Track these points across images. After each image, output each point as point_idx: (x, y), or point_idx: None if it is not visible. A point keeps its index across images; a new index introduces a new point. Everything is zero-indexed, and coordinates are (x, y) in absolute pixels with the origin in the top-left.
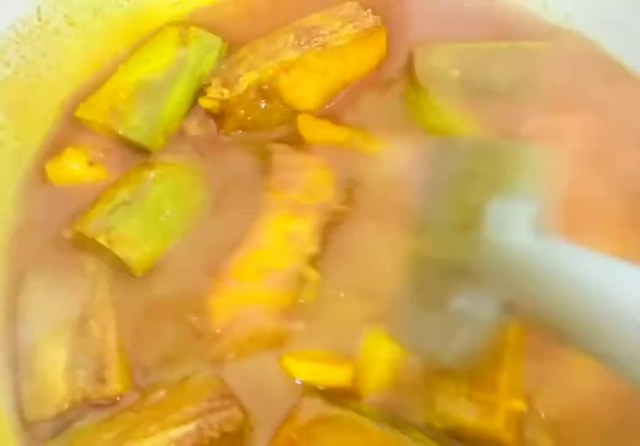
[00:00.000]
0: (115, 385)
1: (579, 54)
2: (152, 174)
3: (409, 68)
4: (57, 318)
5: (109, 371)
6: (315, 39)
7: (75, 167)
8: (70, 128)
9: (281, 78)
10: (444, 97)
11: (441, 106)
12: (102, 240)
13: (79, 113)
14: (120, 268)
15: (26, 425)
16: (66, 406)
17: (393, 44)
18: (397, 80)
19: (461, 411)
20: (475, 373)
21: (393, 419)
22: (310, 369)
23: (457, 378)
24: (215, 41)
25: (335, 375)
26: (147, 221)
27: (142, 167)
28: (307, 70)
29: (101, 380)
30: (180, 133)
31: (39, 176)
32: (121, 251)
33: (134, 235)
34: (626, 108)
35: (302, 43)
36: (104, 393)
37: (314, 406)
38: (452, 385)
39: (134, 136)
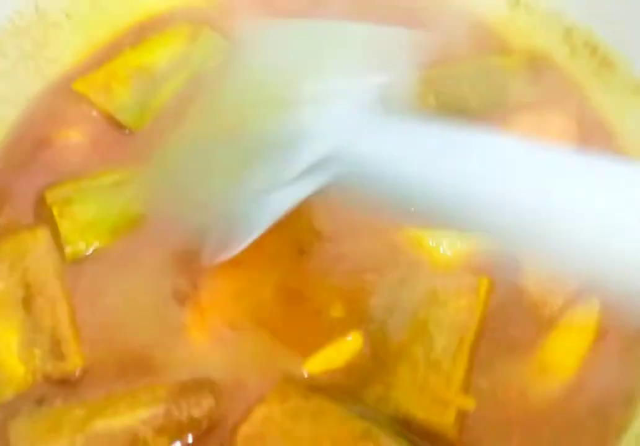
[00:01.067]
0: (74, 359)
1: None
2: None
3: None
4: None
5: (66, 346)
6: None
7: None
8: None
9: None
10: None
11: None
12: (55, 210)
13: (76, 85)
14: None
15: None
16: (26, 386)
17: None
18: None
19: (413, 402)
20: (432, 365)
21: (374, 415)
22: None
23: (414, 367)
24: (224, 44)
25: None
26: (106, 215)
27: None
28: None
29: (59, 356)
30: None
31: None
32: (64, 227)
33: (85, 220)
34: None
35: None
36: (64, 369)
37: (289, 395)
38: (408, 373)
39: (119, 115)
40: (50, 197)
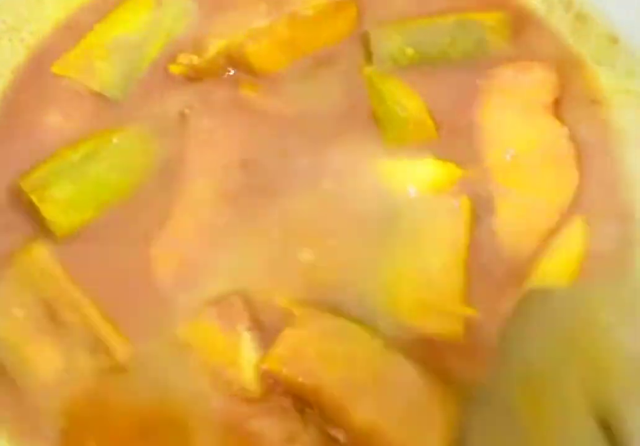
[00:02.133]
0: (121, 348)
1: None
2: (115, 140)
3: (365, 48)
4: (24, 324)
5: (108, 340)
6: (285, 8)
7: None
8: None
9: (249, 46)
10: (398, 72)
11: (394, 82)
12: (34, 197)
13: (55, 68)
14: (44, 232)
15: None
16: (87, 391)
17: (365, 18)
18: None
19: (420, 320)
20: (432, 283)
21: (390, 337)
22: None
23: (415, 287)
24: (191, 6)
25: None
26: (84, 190)
27: (107, 131)
28: (276, 39)
29: (105, 352)
30: None
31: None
32: (48, 211)
33: (65, 199)
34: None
35: (271, 12)
36: (114, 360)
37: (316, 316)
38: (410, 294)
39: (109, 92)
40: (26, 185)
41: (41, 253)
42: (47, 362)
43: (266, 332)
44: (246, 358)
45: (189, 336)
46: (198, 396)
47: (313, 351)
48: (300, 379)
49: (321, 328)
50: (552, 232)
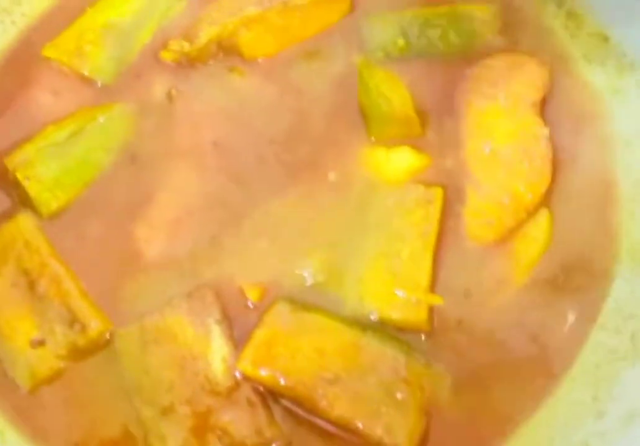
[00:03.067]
0: (95, 325)
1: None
2: (100, 119)
3: (357, 38)
4: (3, 292)
5: (83, 317)
6: None
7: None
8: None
9: (241, 33)
10: (388, 63)
11: (382, 74)
12: (19, 175)
13: (45, 51)
14: (30, 208)
15: (29, 395)
16: (60, 364)
17: (357, 8)
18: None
19: (387, 306)
20: (400, 272)
21: (360, 322)
22: None
23: (382, 275)
24: None
25: None
26: (69, 168)
27: (92, 110)
28: (268, 27)
29: (80, 327)
30: None
31: None
32: (33, 189)
33: (50, 177)
34: None
35: (264, 0)
36: (89, 337)
37: (285, 311)
38: (378, 282)
39: (98, 76)
40: (11, 163)
41: (26, 224)
42: (23, 332)
43: (236, 325)
44: (216, 352)
45: (159, 326)
46: (165, 386)
47: (284, 349)
48: (274, 378)
49: (290, 324)
50: (517, 227)
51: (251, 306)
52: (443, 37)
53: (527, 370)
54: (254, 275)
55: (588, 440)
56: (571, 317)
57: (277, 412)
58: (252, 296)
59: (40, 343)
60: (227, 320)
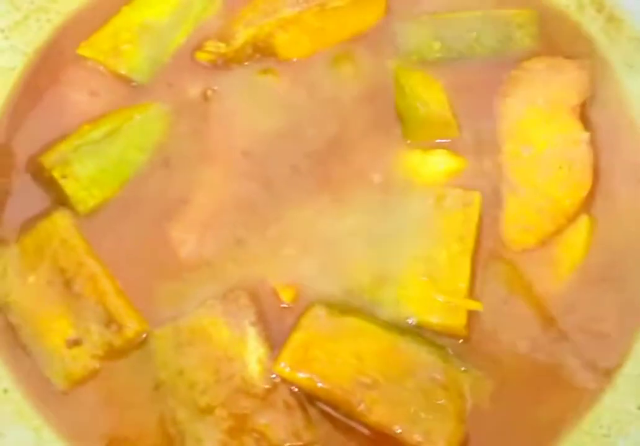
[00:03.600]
0: (132, 325)
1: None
2: (137, 118)
3: (392, 41)
4: (40, 291)
5: (119, 317)
6: None
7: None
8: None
9: (278, 35)
10: (424, 66)
11: (417, 77)
12: (56, 173)
13: (80, 51)
14: (67, 206)
15: (64, 395)
16: (96, 364)
17: (393, 10)
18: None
19: (426, 311)
20: (438, 276)
21: (398, 326)
22: None
23: (421, 279)
24: None
25: None
26: (105, 167)
27: (129, 109)
28: (304, 28)
29: (116, 327)
30: None
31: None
32: (70, 188)
33: (87, 176)
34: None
35: (300, 2)
36: (125, 337)
37: (322, 315)
38: (417, 286)
39: (135, 76)
40: (47, 162)
41: (63, 222)
42: (59, 331)
43: (271, 326)
44: (251, 353)
45: (194, 327)
46: (201, 387)
47: (322, 353)
48: (311, 382)
49: (328, 328)
50: (557, 233)
51: (285, 307)
52: (479, 40)
53: (568, 378)
54: (286, 277)
55: None
56: (613, 325)
57: (314, 415)
58: (286, 297)
59: (76, 343)
60: (262, 322)
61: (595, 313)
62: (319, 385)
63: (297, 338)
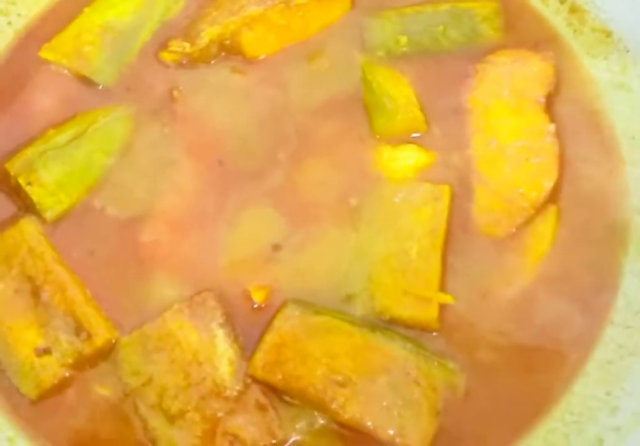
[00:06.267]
0: (101, 333)
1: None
2: (102, 120)
3: (358, 36)
4: (7, 299)
5: (88, 325)
6: None
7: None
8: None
9: (243, 33)
10: (391, 61)
11: (384, 72)
12: (21, 180)
13: (43, 53)
14: (34, 213)
15: (35, 404)
16: (66, 372)
17: (358, 6)
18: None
19: (398, 304)
20: (410, 270)
21: (370, 323)
22: None
23: (393, 273)
24: None
25: None
26: (71, 171)
27: (93, 113)
28: (270, 26)
29: (86, 336)
30: None
31: None
32: (36, 194)
33: (53, 182)
34: None
35: (265, 0)
36: (95, 345)
37: (294, 315)
38: (388, 280)
39: (99, 78)
40: (12, 168)
41: (30, 230)
42: (28, 341)
43: (243, 327)
44: (221, 356)
45: (160, 332)
46: (171, 393)
47: (295, 353)
48: (285, 382)
49: (300, 328)
50: (526, 224)
51: (257, 307)
52: (445, 33)
53: (539, 367)
54: (258, 277)
55: (603, 436)
56: (581, 313)
57: (289, 412)
58: (258, 297)
59: (45, 352)
60: (231, 323)
61: (564, 301)
62: (293, 385)
63: (270, 339)
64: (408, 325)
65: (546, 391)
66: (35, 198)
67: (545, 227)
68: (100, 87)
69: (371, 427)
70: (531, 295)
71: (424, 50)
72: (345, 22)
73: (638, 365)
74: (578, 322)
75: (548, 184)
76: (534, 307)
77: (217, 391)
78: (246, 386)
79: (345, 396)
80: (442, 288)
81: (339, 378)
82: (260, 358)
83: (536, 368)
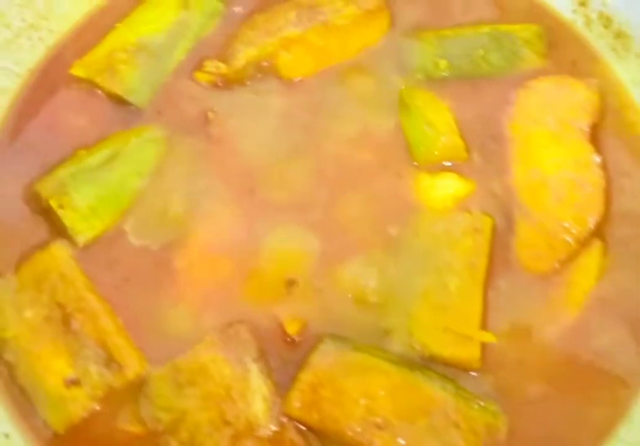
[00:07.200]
0: (132, 365)
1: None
2: (134, 141)
3: (396, 59)
4: (37, 328)
5: (119, 356)
6: (317, 17)
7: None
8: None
9: (280, 55)
10: (430, 85)
11: (424, 97)
12: (53, 203)
13: (74, 70)
14: (65, 237)
15: (63, 438)
16: (95, 405)
17: (397, 28)
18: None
19: (437, 342)
20: (450, 306)
21: (408, 361)
22: None
23: (432, 309)
24: (218, 6)
25: None
26: (105, 195)
27: (126, 133)
28: (308, 48)
29: (117, 367)
30: None
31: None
32: (68, 218)
33: (86, 205)
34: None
35: (303, 20)
36: (125, 378)
37: (330, 351)
38: (427, 316)
39: (131, 97)
40: (44, 190)
41: (61, 254)
42: (57, 371)
43: (275, 360)
44: (255, 392)
45: (192, 366)
46: (205, 430)
47: (331, 392)
48: (321, 424)
49: (337, 365)
50: (570, 258)
51: (290, 341)
52: (485, 57)
53: (587, 404)
54: (293, 309)
55: None
56: (630, 344)
57: None
58: (292, 330)
59: (74, 383)
60: (265, 358)
61: (610, 339)
62: (330, 426)
63: (306, 377)
64: (448, 364)
65: (597, 430)
66: (67, 222)
67: (590, 262)
68: (132, 107)
69: None
70: (575, 332)
71: (464, 74)
72: (383, 43)
73: None
74: (626, 354)
75: (593, 219)
76: (579, 343)
77: (251, 430)
78: (281, 425)
79: (384, 440)
80: (484, 325)
81: (378, 420)
82: (296, 397)
83: (583, 407)
